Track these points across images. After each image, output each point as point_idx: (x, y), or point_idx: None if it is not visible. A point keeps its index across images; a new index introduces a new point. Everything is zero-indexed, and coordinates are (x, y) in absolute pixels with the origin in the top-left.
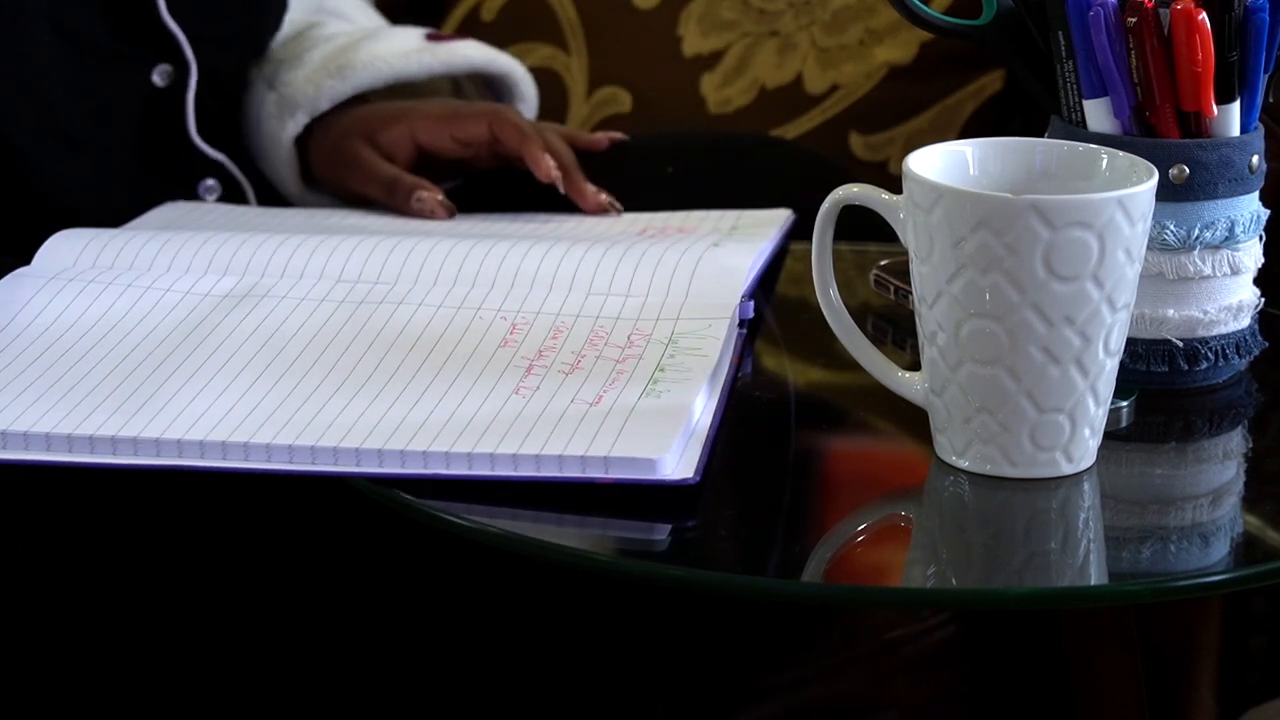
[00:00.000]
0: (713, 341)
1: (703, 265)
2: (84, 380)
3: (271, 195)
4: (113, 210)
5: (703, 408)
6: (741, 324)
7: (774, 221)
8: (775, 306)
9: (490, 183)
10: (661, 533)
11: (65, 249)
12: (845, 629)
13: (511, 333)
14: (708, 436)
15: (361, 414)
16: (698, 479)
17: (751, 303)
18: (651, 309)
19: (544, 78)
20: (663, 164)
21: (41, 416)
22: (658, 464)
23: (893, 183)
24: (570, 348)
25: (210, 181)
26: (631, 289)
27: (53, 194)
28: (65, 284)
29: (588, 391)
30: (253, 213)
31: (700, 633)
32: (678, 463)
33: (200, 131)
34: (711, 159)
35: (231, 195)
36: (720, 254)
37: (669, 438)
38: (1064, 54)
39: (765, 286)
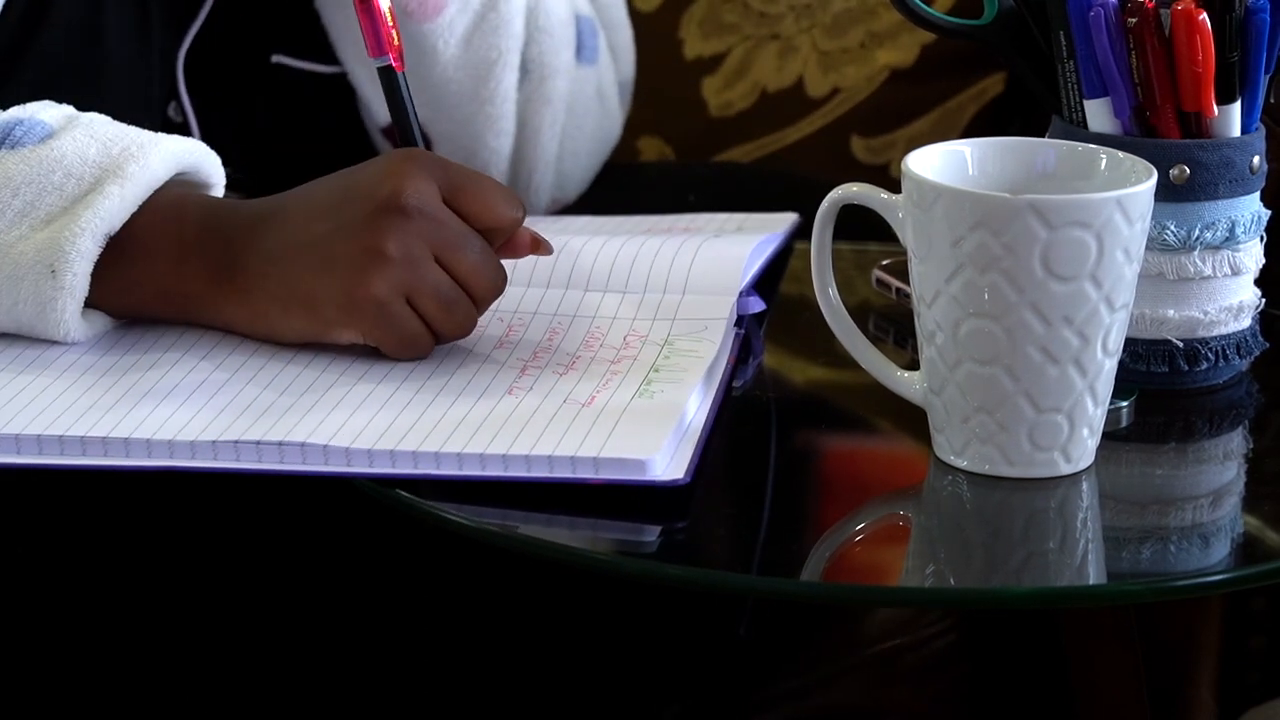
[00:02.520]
0: (709, 344)
1: (700, 260)
2: (77, 382)
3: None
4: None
5: (696, 408)
6: (740, 321)
7: (778, 222)
8: (775, 306)
9: None
10: (660, 532)
11: None
12: (845, 637)
13: (508, 334)
14: (700, 437)
15: (354, 412)
16: (688, 480)
17: (755, 298)
18: (648, 308)
19: None
20: (684, 192)
21: (33, 419)
22: (647, 465)
23: (894, 185)
24: (566, 349)
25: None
26: (629, 284)
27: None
28: None
29: (581, 392)
30: None
31: (700, 641)
32: (668, 463)
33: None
34: (733, 189)
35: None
36: (719, 245)
37: (659, 438)
38: (1065, 54)
39: (768, 285)
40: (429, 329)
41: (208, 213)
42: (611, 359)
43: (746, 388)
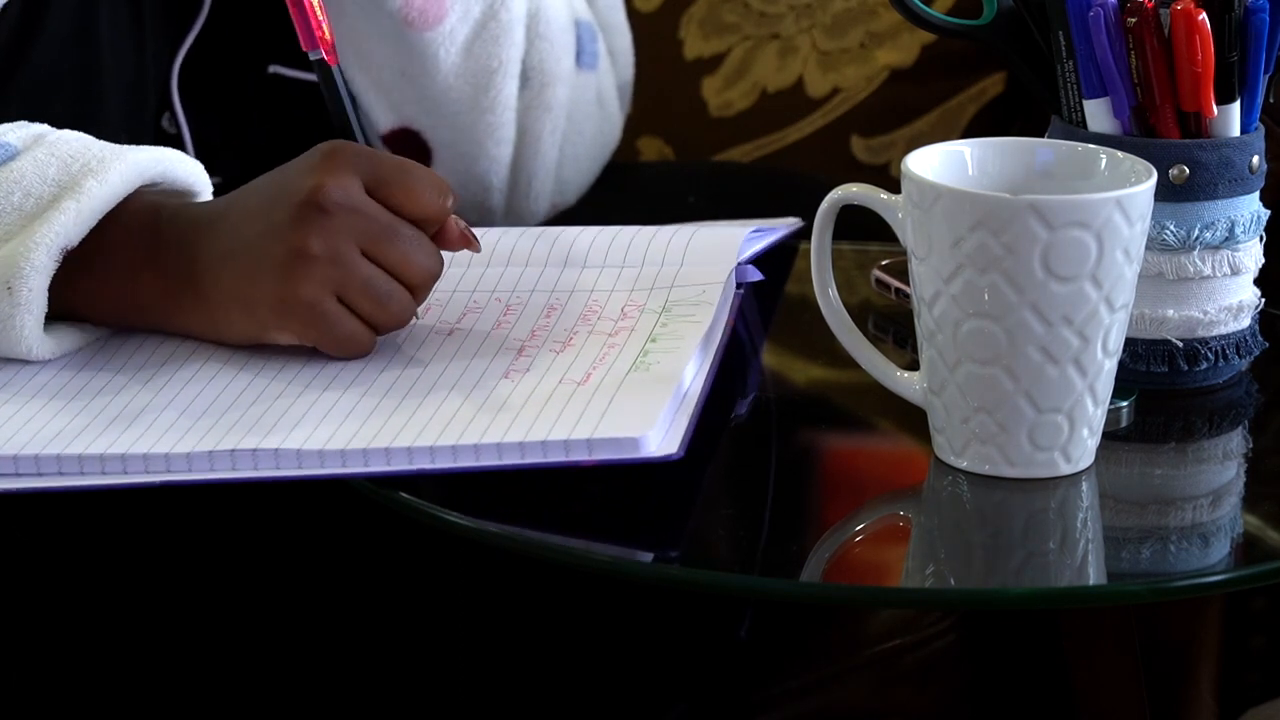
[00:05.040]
0: (706, 307)
1: (698, 237)
2: (74, 400)
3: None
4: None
5: (693, 376)
6: (740, 286)
7: (779, 224)
8: (775, 306)
9: None
10: (659, 533)
11: None
12: (845, 638)
13: (505, 314)
14: (696, 408)
15: (348, 414)
16: (682, 454)
17: (753, 268)
18: (646, 279)
19: None
20: (684, 192)
21: (32, 438)
22: (640, 442)
23: (894, 185)
24: (563, 325)
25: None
26: (626, 260)
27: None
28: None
29: (577, 370)
30: None
31: (701, 642)
32: (663, 438)
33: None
34: (733, 189)
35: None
36: (718, 227)
37: (653, 414)
38: (1064, 54)
39: (768, 285)
40: (366, 324)
41: (162, 219)
42: (609, 331)
43: (747, 387)
